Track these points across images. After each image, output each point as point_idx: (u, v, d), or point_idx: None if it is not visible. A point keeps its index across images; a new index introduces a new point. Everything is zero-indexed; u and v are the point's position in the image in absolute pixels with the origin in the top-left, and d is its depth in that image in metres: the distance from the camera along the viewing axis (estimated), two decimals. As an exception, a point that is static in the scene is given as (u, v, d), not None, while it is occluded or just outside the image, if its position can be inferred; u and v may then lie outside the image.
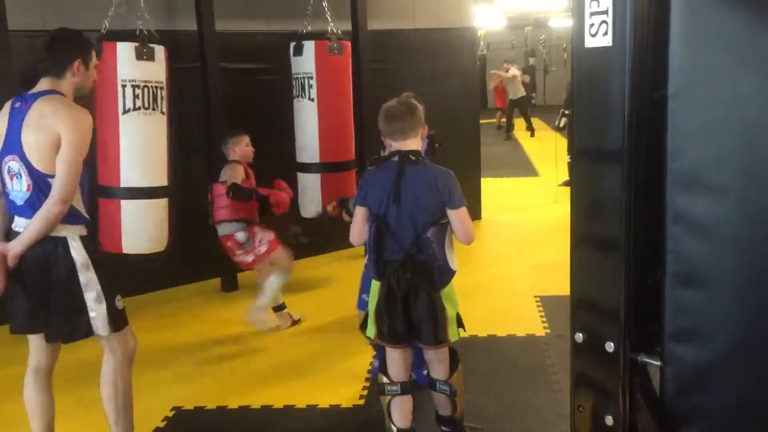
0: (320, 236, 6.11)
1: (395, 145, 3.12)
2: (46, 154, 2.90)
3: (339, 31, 5.55)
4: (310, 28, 5.64)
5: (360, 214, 3.14)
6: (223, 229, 4.89)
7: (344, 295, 3.93)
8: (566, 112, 9.87)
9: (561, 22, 21.21)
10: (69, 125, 2.91)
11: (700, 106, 1.38)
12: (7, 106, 3.04)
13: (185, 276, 6.10)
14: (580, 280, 1.60)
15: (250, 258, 4.88)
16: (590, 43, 1.48)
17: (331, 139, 5.33)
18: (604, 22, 1.45)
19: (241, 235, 4.83)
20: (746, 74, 1.35)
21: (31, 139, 2.92)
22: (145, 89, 4.42)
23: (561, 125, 10.00)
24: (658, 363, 1.50)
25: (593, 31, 1.46)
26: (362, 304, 3.80)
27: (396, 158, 3.08)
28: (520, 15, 19.74)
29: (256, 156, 5.09)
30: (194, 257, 5.78)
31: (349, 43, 5.53)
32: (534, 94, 18.73)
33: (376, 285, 3.15)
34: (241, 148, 4.97)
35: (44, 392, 3.16)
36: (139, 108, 4.39)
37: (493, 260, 6.86)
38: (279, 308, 5.10)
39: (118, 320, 3.10)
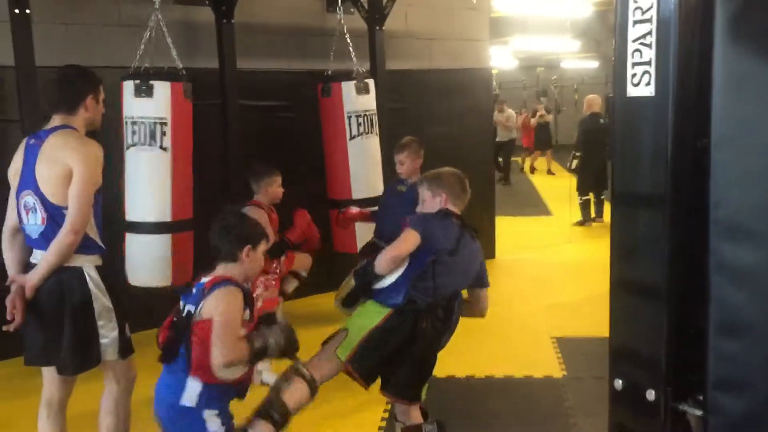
0: (328, 272, 6.08)
1: (451, 207, 3.28)
2: (58, 186, 2.96)
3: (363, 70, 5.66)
4: (332, 68, 5.74)
5: (414, 240, 3.08)
6: None
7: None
8: (577, 153, 9.90)
9: (572, 63, 21.40)
10: (79, 158, 2.97)
11: (743, 155, 1.39)
12: (23, 144, 3.13)
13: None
14: (620, 326, 1.60)
15: None
16: (632, 92, 1.50)
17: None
18: (647, 72, 1.47)
19: None
20: (788, 125, 1.36)
21: (44, 173, 2.98)
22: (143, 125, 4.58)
23: (573, 167, 10.04)
24: (700, 413, 1.49)
25: (635, 81, 1.49)
26: None
27: (455, 220, 3.24)
28: (532, 56, 19.92)
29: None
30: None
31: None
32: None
33: (380, 314, 3.10)
34: (273, 189, 4.76)
35: (57, 426, 3.16)
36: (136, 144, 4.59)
37: (508, 299, 6.81)
38: None
39: (126, 347, 3.13)
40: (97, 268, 3.07)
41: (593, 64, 21.29)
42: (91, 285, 3.02)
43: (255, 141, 6.05)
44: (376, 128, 5.88)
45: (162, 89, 4.63)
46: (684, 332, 1.51)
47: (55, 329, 3.00)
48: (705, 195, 1.41)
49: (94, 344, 3.03)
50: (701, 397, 1.48)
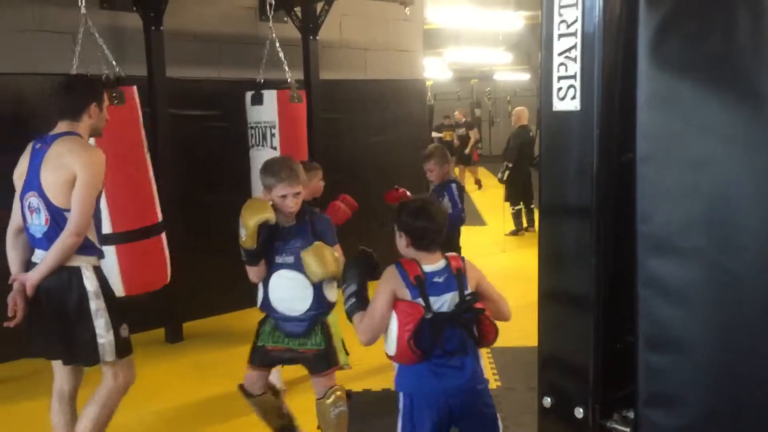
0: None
1: None
2: (62, 190, 3.10)
3: (293, 80, 5.57)
4: (263, 77, 5.64)
5: None
6: None
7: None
8: (509, 165, 10.06)
9: (505, 75, 21.80)
10: (83, 163, 3.11)
11: (667, 170, 1.39)
12: (29, 147, 3.26)
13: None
14: (548, 339, 1.58)
15: None
16: (558, 106, 1.49)
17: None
18: (572, 86, 1.46)
19: None
20: (710, 140, 1.37)
21: (49, 177, 3.12)
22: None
23: (504, 178, 10.18)
24: (627, 429, 1.48)
25: (561, 95, 1.48)
26: None
27: None
28: (466, 68, 20.20)
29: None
30: (136, 306, 5.57)
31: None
32: (479, 145, 19.07)
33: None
34: (314, 183, 4.43)
35: (69, 416, 3.30)
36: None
37: (443, 310, 6.82)
38: None
39: (123, 348, 3.23)
40: (95, 269, 3.19)
41: (525, 77, 21.74)
42: (87, 284, 3.13)
43: (186, 150, 5.91)
44: (272, 142, 5.50)
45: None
46: (611, 347, 1.51)
47: (56, 325, 3.12)
48: (632, 208, 1.41)
49: (90, 342, 3.13)
50: (629, 414, 1.48)
